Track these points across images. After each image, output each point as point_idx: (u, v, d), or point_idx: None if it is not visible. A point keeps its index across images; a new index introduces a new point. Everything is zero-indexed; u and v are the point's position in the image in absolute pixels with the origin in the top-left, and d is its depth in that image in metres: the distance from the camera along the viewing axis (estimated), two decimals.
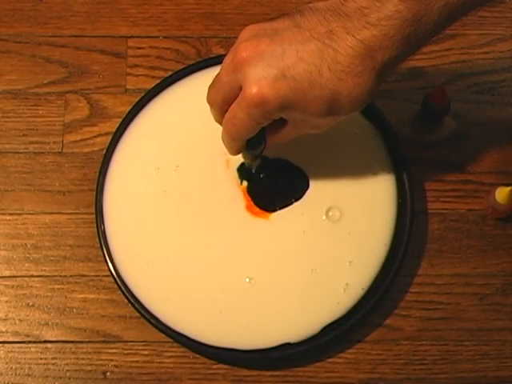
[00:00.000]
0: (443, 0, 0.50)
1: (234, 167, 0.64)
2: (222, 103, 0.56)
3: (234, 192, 0.63)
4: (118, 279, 0.61)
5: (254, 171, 0.63)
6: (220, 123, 0.57)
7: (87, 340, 0.61)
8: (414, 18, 0.50)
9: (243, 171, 0.64)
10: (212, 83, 0.57)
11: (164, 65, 0.69)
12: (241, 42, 0.53)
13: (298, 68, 0.51)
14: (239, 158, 0.63)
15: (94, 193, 0.64)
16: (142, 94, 0.66)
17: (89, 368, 0.61)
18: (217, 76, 0.56)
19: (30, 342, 0.61)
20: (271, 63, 0.51)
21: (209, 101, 0.57)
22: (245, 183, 0.64)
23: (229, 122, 0.55)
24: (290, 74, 0.51)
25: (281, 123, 0.56)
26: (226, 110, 0.55)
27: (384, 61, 0.51)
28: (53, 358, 0.61)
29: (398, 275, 0.62)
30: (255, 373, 0.61)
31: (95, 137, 0.67)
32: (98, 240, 0.62)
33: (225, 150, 0.60)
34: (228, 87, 0.54)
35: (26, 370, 0.61)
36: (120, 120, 0.66)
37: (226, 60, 0.54)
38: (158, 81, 0.67)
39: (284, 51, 0.51)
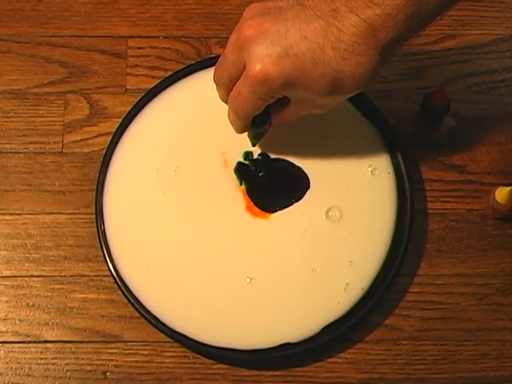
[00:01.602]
0: None
1: (232, 168, 0.64)
2: (227, 82, 0.56)
3: (234, 193, 0.63)
4: (117, 279, 0.61)
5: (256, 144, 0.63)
6: (226, 102, 0.58)
7: (87, 340, 0.61)
8: None
9: (242, 172, 0.64)
10: (218, 63, 0.57)
11: (164, 65, 0.69)
12: (244, 21, 0.54)
13: (301, 46, 0.51)
14: (236, 158, 0.63)
15: (94, 193, 0.64)
16: (142, 94, 0.66)
17: (89, 368, 0.61)
18: (222, 55, 0.57)
19: (29, 342, 0.61)
20: (275, 41, 0.52)
21: (215, 80, 0.58)
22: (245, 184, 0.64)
23: (234, 100, 0.56)
24: (294, 52, 0.51)
25: (285, 102, 0.56)
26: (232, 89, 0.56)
27: (387, 40, 0.51)
28: (53, 358, 0.61)
29: (398, 275, 0.62)
30: (255, 373, 0.61)
31: (95, 137, 0.67)
32: (98, 240, 0.62)
33: (222, 149, 0.60)
34: (233, 66, 0.55)
35: (26, 370, 0.61)
36: (120, 120, 0.66)
37: (231, 39, 0.55)
38: (158, 81, 0.67)
39: (287, 29, 0.52)
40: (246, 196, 0.63)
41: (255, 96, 0.54)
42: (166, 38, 0.70)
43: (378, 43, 0.51)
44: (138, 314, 0.61)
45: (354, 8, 0.51)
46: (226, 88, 0.57)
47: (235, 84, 0.55)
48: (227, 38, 0.55)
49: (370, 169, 0.64)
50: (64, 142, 0.67)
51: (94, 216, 0.63)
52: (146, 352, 0.61)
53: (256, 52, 0.52)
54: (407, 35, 0.52)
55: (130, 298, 0.60)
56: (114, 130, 0.65)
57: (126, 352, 0.61)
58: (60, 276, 0.63)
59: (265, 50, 0.52)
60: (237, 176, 0.64)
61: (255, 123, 0.58)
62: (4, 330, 0.62)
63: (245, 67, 0.53)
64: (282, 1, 0.54)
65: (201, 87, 0.65)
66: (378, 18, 0.51)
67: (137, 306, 0.60)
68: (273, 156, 0.64)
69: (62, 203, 0.65)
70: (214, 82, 0.58)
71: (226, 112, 0.59)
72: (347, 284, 0.61)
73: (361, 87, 0.54)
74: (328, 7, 0.51)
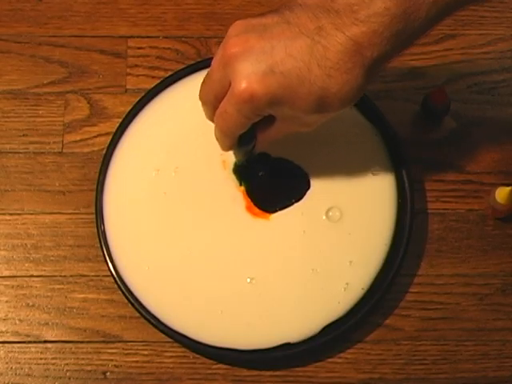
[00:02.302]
0: None
1: (230, 168, 0.64)
2: (213, 100, 0.55)
3: (234, 193, 0.63)
4: (117, 279, 0.61)
5: (242, 164, 0.63)
6: (212, 120, 0.57)
7: (87, 340, 0.61)
8: (402, 14, 0.50)
9: (241, 172, 0.64)
10: (203, 81, 0.57)
11: (164, 65, 0.69)
12: (229, 38, 0.53)
13: (286, 64, 0.51)
14: (234, 159, 0.63)
15: (94, 193, 0.64)
16: (142, 94, 0.66)
17: (89, 368, 0.61)
18: (208, 73, 0.56)
19: (30, 342, 0.61)
20: (260, 59, 0.51)
21: (201, 98, 0.57)
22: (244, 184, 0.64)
23: (220, 118, 0.55)
24: (279, 69, 0.51)
25: (270, 120, 0.56)
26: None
27: (373, 57, 0.51)
28: (53, 358, 0.61)
29: (398, 275, 0.62)
30: (255, 373, 0.61)
31: (95, 137, 0.67)
32: (98, 240, 0.62)
33: (220, 149, 0.60)
34: (218, 84, 0.54)
35: (26, 370, 0.61)
36: (120, 120, 0.66)
37: (216, 56, 0.54)
38: (158, 81, 0.67)
39: (273, 47, 0.51)
40: (246, 196, 0.63)
41: (241, 114, 0.53)
42: (165, 38, 0.70)
43: (364, 61, 0.51)
44: (137, 314, 0.61)
45: (339, 25, 0.50)
46: (212, 106, 0.56)
47: (221, 102, 0.55)
48: None
49: (370, 169, 0.64)
50: (64, 142, 0.67)
51: (94, 216, 0.63)
52: (146, 352, 0.61)
53: (241, 69, 0.51)
54: (393, 53, 0.52)
55: (129, 298, 0.60)
56: (114, 130, 0.65)
57: (126, 352, 0.61)
58: (60, 276, 0.63)
59: (250, 67, 0.51)
60: (236, 177, 0.64)
61: (241, 141, 0.57)
62: (4, 329, 0.62)
63: (230, 85, 0.53)
64: (267, 18, 0.53)
65: None
66: (363, 35, 0.50)
67: (137, 306, 0.60)
68: (273, 156, 0.64)
69: (62, 203, 0.65)
70: (200, 99, 0.57)
71: None
72: (347, 284, 0.61)
73: (347, 105, 0.53)
74: (313, 25, 0.51)
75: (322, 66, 0.51)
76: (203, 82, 0.57)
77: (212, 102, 0.56)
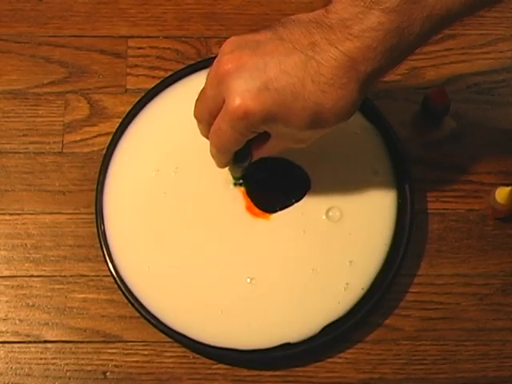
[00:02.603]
0: (425, 12, 0.50)
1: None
2: (208, 117, 0.55)
3: (234, 193, 0.63)
4: (117, 279, 0.61)
5: (239, 179, 0.63)
6: (207, 137, 0.57)
7: (87, 340, 0.61)
8: (396, 29, 0.50)
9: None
10: (197, 98, 0.56)
11: (164, 65, 0.69)
12: (223, 55, 0.53)
13: (281, 80, 0.51)
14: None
15: (94, 193, 0.64)
16: (142, 94, 0.66)
17: (89, 368, 0.61)
18: (202, 90, 0.56)
19: (30, 342, 0.61)
20: (254, 75, 0.51)
21: (195, 115, 0.57)
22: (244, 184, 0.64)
23: (214, 135, 0.55)
24: (273, 86, 0.51)
25: (265, 137, 0.55)
26: None
27: (367, 72, 0.51)
28: (53, 358, 0.61)
29: (398, 275, 0.62)
30: (255, 373, 0.61)
31: (95, 137, 0.67)
32: (98, 240, 0.62)
33: None
34: (212, 101, 0.54)
35: (26, 370, 0.61)
36: (120, 120, 0.66)
37: (210, 74, 0.54)
38: (158, 81, 0.67)
39: (266, 63, 0.51)
40: (246, 196, 0.63)
41: (235, 131, 0.53)
42: (166, 38, 0.70)
43: (358, 76, 0.51)
44: (137, 314, 0.61)
45: (333, 41, 0.50)
46: (207, 123, 0.56)
47: (215, 119, 0.54)
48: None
49: (370, 169, 0.64)
50: (64, 142, 0.67)
51: (94, 216, 0.63)
52: (146, 352, 0.61)
53: (235, 86, 0.51)
54: (387, 67, 0.52)
55: (129, 298, 0.60)
56: (114, 130, 0.65)
57: (126, 352, 0.61)
58: (60, 276, 0.63)
59: (244, 84, 0.51)
60: (234, 181, 0.64)
61: (237, 158, 0.57)
62: (4, 329, 0.62)
63: (224, 102, 0.52)
64: (261, 34, 0.53)
65: (201, 87, 0.65)
66: (357, 50, 0.50)
67: (137, 306, 0.60)
68: (273, 156, 0.64)
69: (62, 203, 0.65)
70: (195, 117, 0.57)
71: None
72: (347, 284, 0.61)
73: (341, 120, 0.53)
74: (307, 40, 0.51)
75: (316, 81, 0.50)
76: (197, 100, 0.56)
77: (207, 120, 0.56)
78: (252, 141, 0.56)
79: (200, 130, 0.58)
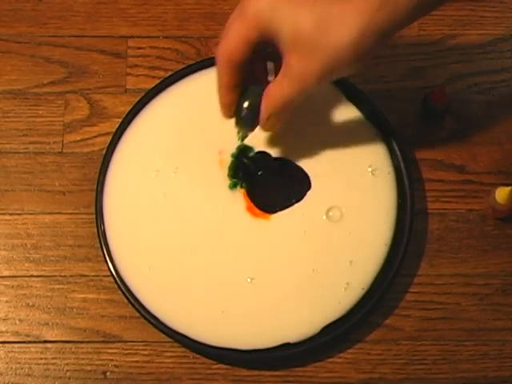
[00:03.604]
0: None
1: (227, 166, 0.64)
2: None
3: (234, 193, 0.63)
4: (117, 279, 0.61)
5: (243, 140, 0.62)
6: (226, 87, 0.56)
7: (87, 340, 0.61)
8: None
9: (239, 175, 0.63)
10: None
11: (164, 65, 0.69)
12: None
13: None
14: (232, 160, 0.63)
15: (94, 193, 0.64)
16: (142, 94, 0.66)
17: (89, 368, 0.61)
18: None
19: (30, 342, 0.61)
20: None
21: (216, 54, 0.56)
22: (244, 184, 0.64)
23: (222, 39, 0.55)
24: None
25: (276, 80, 0.55)
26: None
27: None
28: (53, 358, 0.61)
29: (398, 275, 0.62)
30: (255, 373, 0.61)
31: (95, 137, 0.67)
32: (98, 240, 0.62)
33: (218, 148, 0.60)
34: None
35: (26, 370, 0.61)
36: (120, 120, 0.66)
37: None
38: (158, 81, 0.67)
39: None
40: (246, 196, 0.63)
41: (242, 25, 0.54)
42: (166, 38, 0.70)
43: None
44: (138, 314, 0.61)
45: None
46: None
47: None
48: None
49: (370, 169, 0.64)
50: (64, 142, 0.67)
51: (94, 216, 0.63)
52: (146, 352, 0.61)
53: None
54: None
55: (129, 298, 0.61)
56: (114, 130, 0.65)
57: (126, 352, 0.61)
58: (60, 276, 0.63)
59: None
60: (233, 183, 0.63)
61: (244, 120, 0.57)
62: (4, 329, 0.62)
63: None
64: None
65: (201, 87, 0.65)
66: None
67: (137, 306, 0.60)
68: (273, 156, 0.64)
69: (62, 203, 0.65)
70: (216, 57, 0.56)
71: None
72: (347, 284, 0.61)
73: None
74: None
75: None
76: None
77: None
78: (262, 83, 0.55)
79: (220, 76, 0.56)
